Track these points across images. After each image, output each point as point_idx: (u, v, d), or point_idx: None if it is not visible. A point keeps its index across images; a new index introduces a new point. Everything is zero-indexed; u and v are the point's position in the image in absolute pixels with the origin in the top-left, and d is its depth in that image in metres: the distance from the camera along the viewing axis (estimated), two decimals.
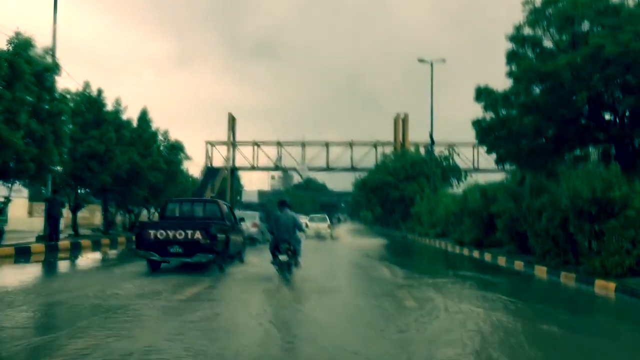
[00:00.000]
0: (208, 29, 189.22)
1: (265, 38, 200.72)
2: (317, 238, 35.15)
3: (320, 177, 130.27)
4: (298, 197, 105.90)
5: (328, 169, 63.84)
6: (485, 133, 20.60)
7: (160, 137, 32.04)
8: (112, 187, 27.04)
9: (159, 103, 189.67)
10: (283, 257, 12.18)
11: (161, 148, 31.83)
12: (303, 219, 28.47)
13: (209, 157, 64.19)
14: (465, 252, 24.42)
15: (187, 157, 33.79)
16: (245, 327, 7.76)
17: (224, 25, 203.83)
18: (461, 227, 27.29)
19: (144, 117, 29.99)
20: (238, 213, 20.76)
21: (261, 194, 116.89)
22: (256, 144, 63.89)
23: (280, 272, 12.20)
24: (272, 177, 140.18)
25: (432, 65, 41.72)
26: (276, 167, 63.88)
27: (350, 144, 63.30)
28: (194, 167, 64.10)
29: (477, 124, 20.59)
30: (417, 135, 67.12)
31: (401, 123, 63.11)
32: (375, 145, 63.40)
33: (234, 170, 64.98)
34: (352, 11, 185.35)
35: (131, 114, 29.59)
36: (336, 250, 26.47)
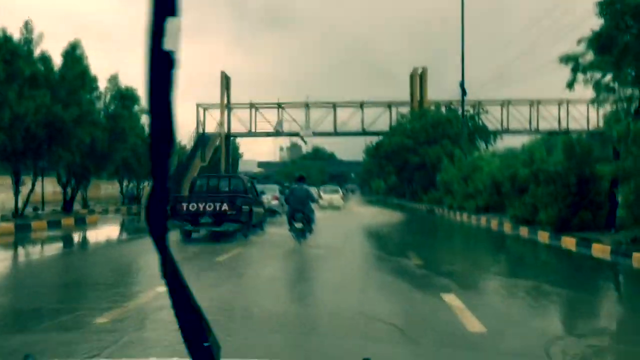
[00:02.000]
0: (217, 1, 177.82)
1: (273, 8, 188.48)
2: (330, 209, 32.71)
3: (329, 145, 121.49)
4: (306, 167, 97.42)
5: (336, 133, 54.50)
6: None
7: (106, 85, 22.96)
8: (22, 150, 18.16)
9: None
10: (298, 225, 13.47)
11: (103, 97, 22.78)
12: (315, 191, 27.01)
13: (200, 123, 55.09)
14: (543, 238, 15.37)
15: (144, 111, 24.68)
16: (265, 284, 8.65)
17: None
18: (523, 200, 18.19)
19: (71, 53, 20.73)
20: (259, 187, 21.49)
21: (264, 164, 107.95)
22: (254, 106, 54.60)
23: (296, 238, 13.50)
24: (281, 149, 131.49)
25: None
26: (277, 133, 54.60)
27: (361, 105, 53.80)
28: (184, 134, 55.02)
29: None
30: (436, 94, 57.31)
31: (419, 79, 53.42)
32: (389, 106, 53.88)
33: (228, 137, 55.81)
34: None
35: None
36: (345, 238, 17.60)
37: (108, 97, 23.41)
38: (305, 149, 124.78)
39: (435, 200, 37.17)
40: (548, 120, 52.18)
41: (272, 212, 23.51)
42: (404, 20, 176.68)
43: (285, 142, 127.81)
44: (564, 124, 51.86)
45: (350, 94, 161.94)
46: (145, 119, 28.59)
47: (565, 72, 15.36)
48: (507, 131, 52.11)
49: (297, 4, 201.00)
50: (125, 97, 24.09)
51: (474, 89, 34.32)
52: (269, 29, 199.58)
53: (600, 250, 11.97)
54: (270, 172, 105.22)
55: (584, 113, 51.74)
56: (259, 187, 22.02)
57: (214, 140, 53.96)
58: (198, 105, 54.78)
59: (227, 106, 55.19)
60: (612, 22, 12.00)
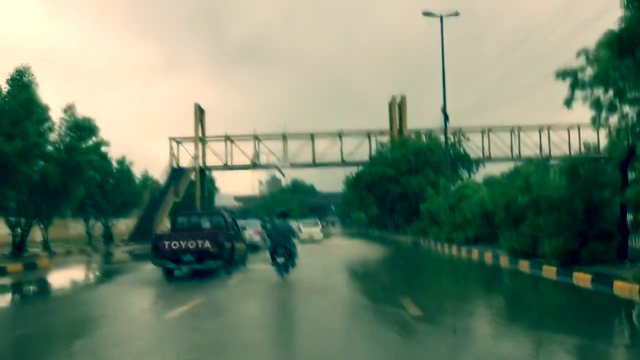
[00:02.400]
0: (193, 35, 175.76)
1: (250, 43, 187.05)
2: (310, 242, 33.32)
3: (308, 177, 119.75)
4: (285, 201, 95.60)
5: (314, 164, 52.68)
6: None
7: (61, 116, 20.87)
8: None
9: (143, 111, 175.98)
10: (281, 260, 13.53)
11: (57, 128, 20.66)
12: (295, 224, 27.63)
13: (174, 157, 52.93)
14: (549, 273, 13.44)
15: (104, 143, 22.59)
16: (252, 319, 8.93)
17: (208, 31, 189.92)
18: (521, 230, 16.38)
19: (18, 80, 18.66)
20: (240, 222, 21.84)
21: (242, 198, 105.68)
22: (229, 138, 52.70)
23: (278, 272, 13.58)
24: (260, 182, 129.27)
25: (442, 19, 31.14)
26: (254, 165, 52.60)
27: (340, 135, 52.23)
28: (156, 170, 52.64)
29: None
30: (415, 123, 55.92)
31: (397, 108, 52.14)
32: (368, 135, 52.32)
33: (203, 171, 53.65)
34: (335, 12, 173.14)
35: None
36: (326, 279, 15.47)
37: (63, 128, 21.30)
38: (285, 182, 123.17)
39: (419, 232, 35.40)
40: (529, 147, 51.07)
41: (254, 247, 23.31)
42: (380, 49, 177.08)
43: (263, 176, 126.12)
44: (545, 150, 50.72)
45: (328, 125, 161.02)
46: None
47: (544, 95, 13.69)
48: (488, 159, 50.88)
49: (272, 37, 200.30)
50: (82, 128, 22.04)
51: (453, 117, 32.69)
52: (243, 61, 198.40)
53: (626, 289, 10.09)
54: (248, 206, 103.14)
55: (565, 138, 50.91)
56: (241, 222, 22.52)
57: (188, 174, 51.83)
58: (171, 139, 52.79)
59: (201, 139, 53.26)
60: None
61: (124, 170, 36.76)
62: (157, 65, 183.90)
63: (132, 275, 17.47)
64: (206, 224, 16.59)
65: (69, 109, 21.08)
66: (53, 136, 20.36)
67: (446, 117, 31.29)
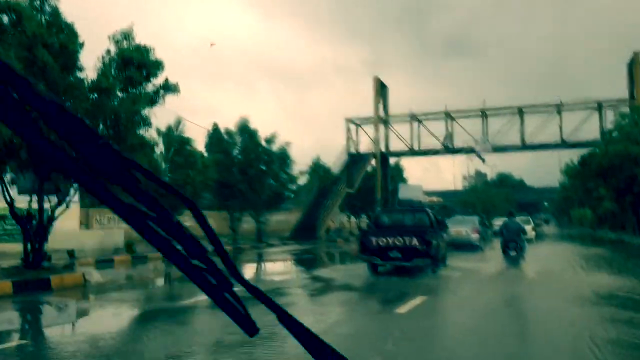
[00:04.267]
0: (398, 31, 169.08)
1: (455, 35, 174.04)
2: None
3: (517, 170, 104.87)
4: (489, 196, 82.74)
5: (524, 146, 40.67)
6: None
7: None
8: None
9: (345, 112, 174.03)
10: (512, 253, 15.93)
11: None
12: (497, 222, 27.35)
13: (352, 141, 44.86)
14: None
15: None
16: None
17: (413, 26, 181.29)
18: None
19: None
20: (457, 219, 25.63)
21: (441, 194, 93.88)
22: (416, 117, 43.12)
23: (510, 262, 15.80)
24: (464, 178, 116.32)
25: None
26: (446, 148, 42.33)
27: (558, 108, 39.54)
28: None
29: None
30: None
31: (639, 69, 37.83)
32: (599, 106, 38.87)
33: (385, 157, 44.73)
34: None
35: None
36: None
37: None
38: (490, 174, 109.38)
39: None
40: None
41: (472, 246, 22.59)
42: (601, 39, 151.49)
43: (461, 164, 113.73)
44: None
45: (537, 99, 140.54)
46: None
47: None
48: None
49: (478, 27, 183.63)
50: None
51: None
52: (449, 54, 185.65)
53: None
54: (448, 202, 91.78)
55: None
56: (457, 219, 24.94)
57: (367, 161, 43.23)
58: (347, 121, 44.73)
59: (383, 120, 44.36)
60: None
61: (277, 153, 29.36)
62: (360, 64, 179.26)
63: None
64: (410, 221, 15.54)
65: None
66: None
67: None
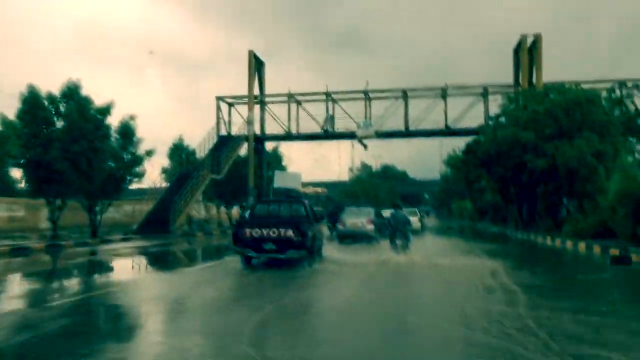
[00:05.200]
0: (290, 22, 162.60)
1: (348, 29, 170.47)
2: None
3: (401, 163, 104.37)
4: (373, 187, 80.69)
5: (407, 132, 37.48)
6: None
7: None
8: None
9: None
10: (399, 241, 16.40)
11: None
12: (386, 213, 25.63)
13: (223, 122, 39.52)
14: None
15: None
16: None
17: (306, 18, 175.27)
18: None
19: None
20: (353, 210, 24.98)
21: (326, 185, 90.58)
22: (294, 98, 38.62)
23: (395, 250, 16.10)
24: (350, 170, 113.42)
25: None
26: (325, 133, 38.24)
27: (443, 92, 36.71)
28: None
29: None
30: (552, 77, 38.47)
31: (526, 53, 35.80)
32: (485, 91, 36.51)
33: (261, 141, 39.88)
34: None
35: None
36: None
37: None
38: (375, 166, 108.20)
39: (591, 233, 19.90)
40: None
41: (368, 237, 21.90)
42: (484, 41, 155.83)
43: (348, 154, 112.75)
44: None
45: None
46: None
47: None
48: None
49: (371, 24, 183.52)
50: None
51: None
52: (341, 48, 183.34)
53: None
54: (332, 192, 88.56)
55: None
56: (353, 210, 24.99)
57: (238, 145, 38.12)
58: (219, 99, 39.37)
59: (258, 100, 39.47)
60: None
61: (119, 130, 23.66)
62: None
63: None
64: (286, 212, 15.08)
65: None
66: None
67: None
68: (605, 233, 19.86)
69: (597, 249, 17.56)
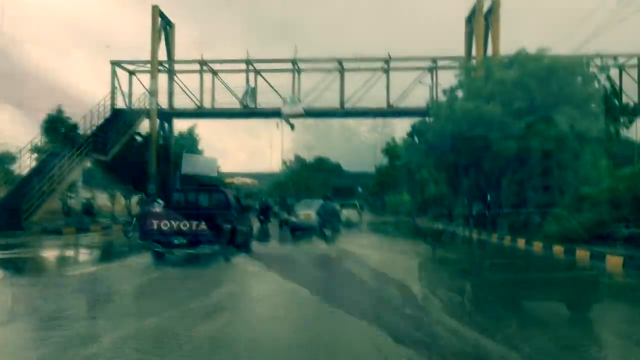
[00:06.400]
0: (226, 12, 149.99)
1: (281, 18, 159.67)
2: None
3: (334, 153, 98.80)
4: (305, 179, 74.61)
5: (344, 111, 31.26)
6: None
7: None
8: None
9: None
10: (328, 232, 16.21)
11: None
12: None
13: (122, 93, 32.10)
14: None
15: None
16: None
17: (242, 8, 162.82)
18: None
19: None
20: (306, 202, 24.97)
21: (258, 176, 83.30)
22: (208, 66, 31.66)
23: (326, 240, 16.10)
24: (284, 162, 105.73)
25: None
26: (244, 109, 31.51)
27: (386, 64, 30.76)
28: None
29: None
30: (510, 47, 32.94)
31: (482, 21, 30.39)
32: (434, 64, 30.80)
33: (168, 117, 32.73)
34: None
35: None
36: None
37: None
38: (309, 158, 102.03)
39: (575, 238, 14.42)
40: None
41: (308, 229, 21.26)
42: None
43: (275, 132, 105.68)
44: None
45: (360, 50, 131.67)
46: None
47: None
48: None
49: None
50: None
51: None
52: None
53: None
54: (263, 184, 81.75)
55: None
56: (306, 202, 24.87)
57: (137, 120, 30.83)
58: (114, 64, 31.83)
59: (163, 65, 32.30)
60: None
61: None
62: (190, 44, 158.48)
63: None
64: (204, 202, 14.17)
65: None
66: None
67: None
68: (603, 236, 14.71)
69: (614, 260, 12.01)
